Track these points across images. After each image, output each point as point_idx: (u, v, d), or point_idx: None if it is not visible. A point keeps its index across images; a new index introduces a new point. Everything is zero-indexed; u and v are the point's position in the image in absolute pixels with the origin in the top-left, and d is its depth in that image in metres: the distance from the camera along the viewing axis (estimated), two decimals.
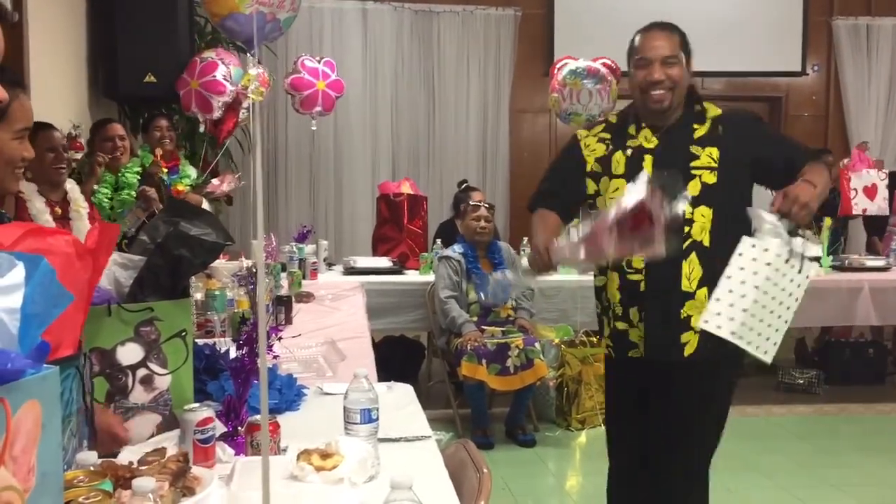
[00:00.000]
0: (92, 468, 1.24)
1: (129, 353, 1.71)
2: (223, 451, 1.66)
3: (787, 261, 2.05)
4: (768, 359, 2.14)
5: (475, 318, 4.33)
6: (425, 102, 7.26)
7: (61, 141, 3.29)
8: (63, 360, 1.16)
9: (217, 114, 4.58)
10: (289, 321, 3.14)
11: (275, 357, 1.89)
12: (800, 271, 2.08)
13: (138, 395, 1.71)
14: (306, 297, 3.77)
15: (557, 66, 5.14)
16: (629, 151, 2.39)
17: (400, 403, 2.16)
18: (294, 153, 7.05)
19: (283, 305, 3.19)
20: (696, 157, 2.35)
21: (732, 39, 7.53)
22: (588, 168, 2.45)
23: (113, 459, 1.42)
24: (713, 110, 2.41)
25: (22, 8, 3.84)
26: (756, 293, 2.05)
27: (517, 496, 3.64)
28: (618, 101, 5.19)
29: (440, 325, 4.32)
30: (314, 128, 5.48)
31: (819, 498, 3.65)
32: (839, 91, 7.80)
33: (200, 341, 2.22)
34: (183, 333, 1.77)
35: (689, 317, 2.31)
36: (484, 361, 4.10)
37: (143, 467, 1.37)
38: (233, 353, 1.96)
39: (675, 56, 2.35)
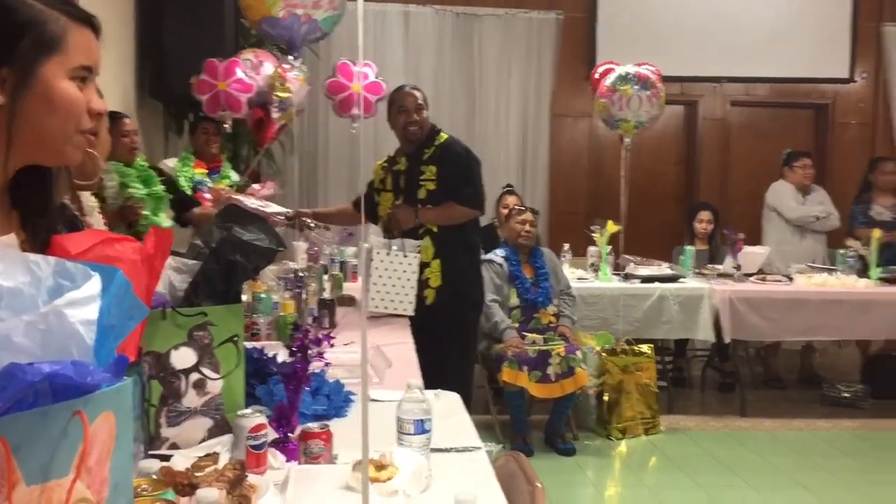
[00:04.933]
0: (154, 476, 1.24)
1: (183, 357, 1.71)
2: (274, 457, 1.66)
3: (388, 253, 3.44)
4: (410, 311, 3.43)
5: (517, 324, 4.31)
6: (465, 106, 7.23)
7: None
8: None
9: (244, 111, 4.51)
10: (333, 325, 3.14)
11: (326, 364, 1.88)
12: (405, 256, 3.46)
13: (191, 399, 1.72)
14: (349, 301, 3.77)
15: (599, 70, 5.09)
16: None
17: (448, 412, 2.14)
18: (334, 155, 7.07)
19: (326, 309, 3.19)
20: (423, 173, 3.62)
21: (779, 45, 7.41)
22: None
23: (169, 465, 1.42)
24: (441, 137, 3.69)
25: None
26: (380, 279, 3.44)
27: None
28: (665, 107, 5.14)
29: (481, 330, 4.30)
30: (354, 130, 5.48)
31: None
32: (888, 99, 7.65)
33: (248, 345, 2.22)
34: (235, 338, 1.77)
35: (428, 279, 3.58)
36: (525, 368, 4.08)
37: (199, 473, 1.37)
38: (281, 358, 1.96)
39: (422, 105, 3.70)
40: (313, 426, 1.62)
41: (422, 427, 1.61)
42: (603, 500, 3.87)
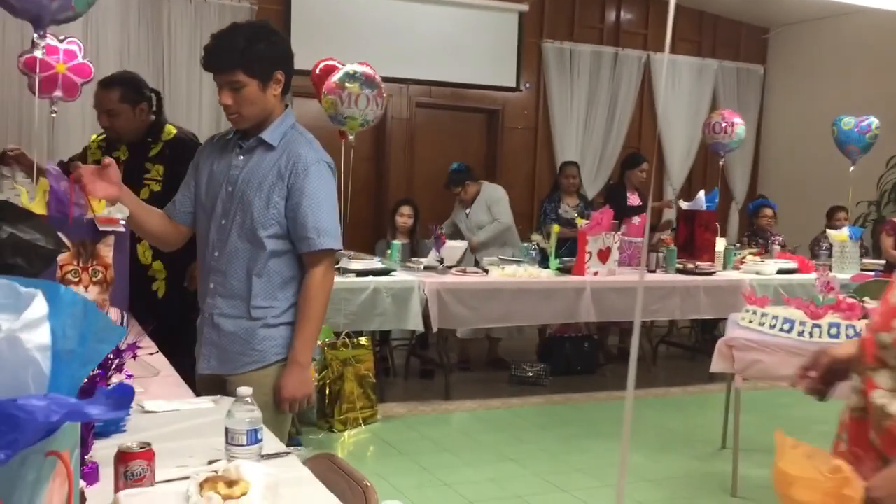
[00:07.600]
0: None
1: None
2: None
3: None
4: None
5: None
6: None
7: None
8: None
9: None
10: None
11: (128, 376, 1.71)
12: None
13: None
14: None
15: (321, 66, 5.11)
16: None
17: None
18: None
19: None
20: (148, 171, 3.29)
21: (457, 54, 8.01)
22: None
23: None
24: (168, 132, 3.37)
25: None
26: None
27: None
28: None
29: None
30: (54, 114, 4.90)
31: (570, 483, 4.01)
32: (547, 107, 8.58)
33: None
34: None
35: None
36: None
37: None
38: None
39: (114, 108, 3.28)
40: (131, 445, 1.48)
41: (255, 437, 1.55)
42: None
